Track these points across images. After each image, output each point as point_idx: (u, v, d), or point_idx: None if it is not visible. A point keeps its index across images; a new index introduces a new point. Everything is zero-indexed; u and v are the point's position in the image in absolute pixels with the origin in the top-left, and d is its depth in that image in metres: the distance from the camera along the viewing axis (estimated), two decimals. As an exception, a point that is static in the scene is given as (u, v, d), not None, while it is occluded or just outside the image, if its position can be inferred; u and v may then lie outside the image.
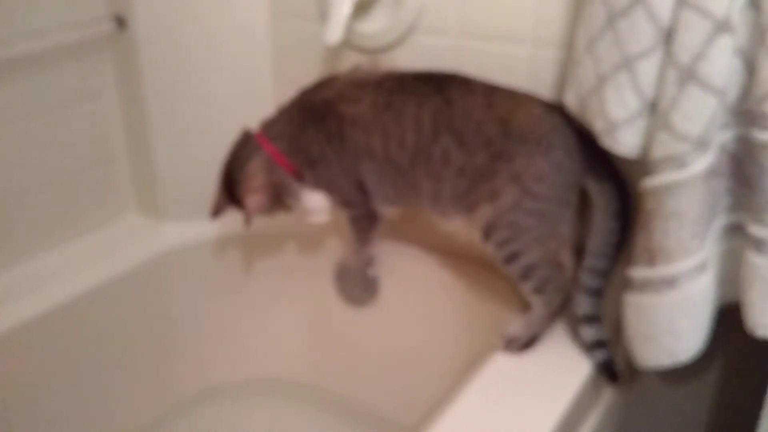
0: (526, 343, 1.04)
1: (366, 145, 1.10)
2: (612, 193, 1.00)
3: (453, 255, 1.29)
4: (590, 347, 1.04)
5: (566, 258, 1.06)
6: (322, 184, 1.18)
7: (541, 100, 1.05)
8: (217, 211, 1.24)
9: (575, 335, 1.07)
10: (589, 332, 1.03)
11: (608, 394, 1.16)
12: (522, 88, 1.07)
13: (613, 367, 1.04)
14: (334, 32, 1.16)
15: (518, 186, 1.00)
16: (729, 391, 1.20)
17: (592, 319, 1.03)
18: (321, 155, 1.14)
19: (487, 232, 1.03)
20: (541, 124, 1.01)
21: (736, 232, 0.94)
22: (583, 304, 1.03)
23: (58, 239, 1.33)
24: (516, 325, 1.05)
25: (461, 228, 1.08)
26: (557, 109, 1.04)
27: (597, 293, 1.03)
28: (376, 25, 1.22)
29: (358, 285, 1.39)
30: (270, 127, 1.19)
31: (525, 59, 1.12)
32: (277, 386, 1.47)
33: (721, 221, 0.95)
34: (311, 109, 1.15)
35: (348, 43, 1.23)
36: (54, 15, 1.24)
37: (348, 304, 1.41)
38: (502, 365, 1.03)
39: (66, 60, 1.28)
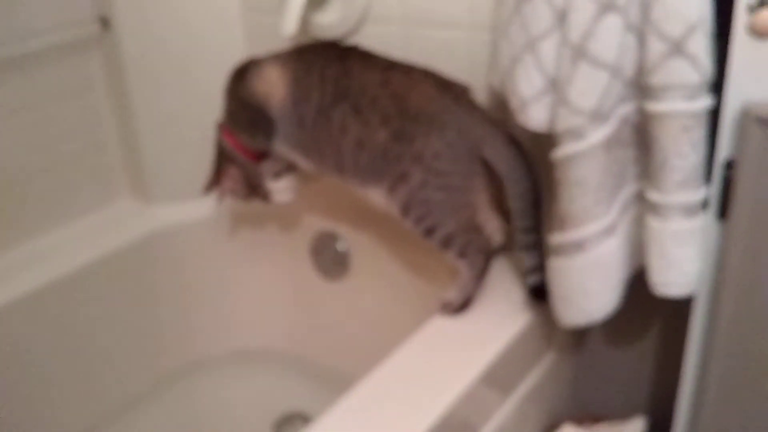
0: (460, 306, 1.12)
1: (270, 90, 1.19)
2: (513, 159, 1.07)
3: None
4: (531, 285, 1.12)
5: (488, 219, 1.14)
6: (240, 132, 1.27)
7: (437, 78, 1.12)
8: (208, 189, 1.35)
9: (507, 294, 1.16)
10: (532, 279, 1.12)
11: (551, 355, 1.24)
12: (435, 68, 1.14)
13: (543, 288, 1.10)
14: (290, 23, 1.25)
15: (421, 165, 1.08)
16: (669, 350, 1.27)
17: (536, 268, 1.11)
18: (241, 121, 1.25)
19: (404, 211, 1.12)
20: (433, 105, 1.08)
21: (641, 198, 1.01)
22: (526, 260, 1.12)
23: (56, 222, 1.46)
24: (450, 291, 1.13)
25: (377, 201, 1.16)
26: (451, 86, 1.11)
27: (534, 246, 1.11)
28: (331, 17, 1.31)
29: (331, 259, 1.49)
30: (225, 117, 1.30)
31: (463, 43, 1.20)
32: (260, 356, 1.59)
33: (630, 189, 1.02)
34: (233, 82, 1.26)
35: (307, 34, 1.33)
36: (45, 18, 1.37)
37: (323, 277, 1.51)
38: (440, 325, 1.12)
39: (58, 59, 1.40)
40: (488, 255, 1.14)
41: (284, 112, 1.19)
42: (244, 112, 1.23)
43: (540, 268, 1.10)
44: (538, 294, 1.12)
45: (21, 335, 1.33)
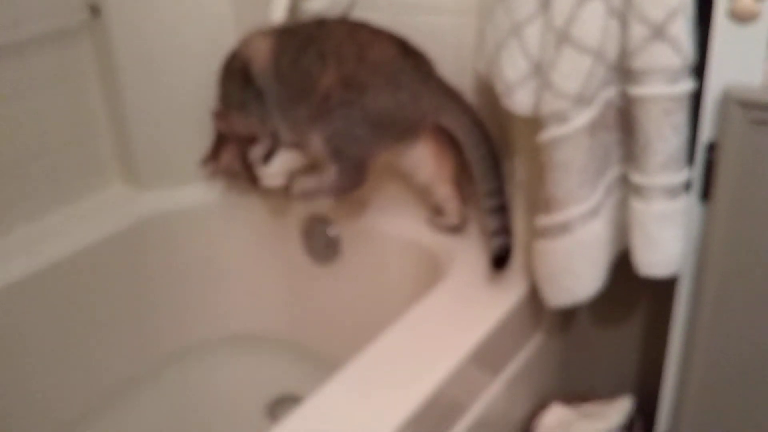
0: (304, 195, 1.30)
1: (254, 54, 1.26)
2: (470, 126, 1.13)
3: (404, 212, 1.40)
4: (494, 250, 1.15)
5: (446, 199, 1.26)
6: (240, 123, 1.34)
7: (403, 42, 1.18)
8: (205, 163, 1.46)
9: (494, 275, 1.17)
10: (497, 241, 1.15)
11: (540, 336, 1.26)
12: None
13: (505, 255, 1.15)
14: (279, 9, 1.26)
15: (363, 113, 1.16)
16: (655, 330, 1.29)
17: (501, 231, 1.15)
18: (233, 96, 1.32)
19: (327, 141, 1.20)
20: (393, 63, 1.15)
21: (625, 181, 1.02)
22: (490, 222, 1.16)
23: (47, 208, 1.46)
24: (308, 180, 1.28)
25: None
26: (415, 54, 1.17)
27: (500, 209, 1.15)
28: (321, 3, 1.31)
29: (322, 244, 1.51)
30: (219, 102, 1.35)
31: (450, 28, 1.21)
32: (253, 340, 1.60)
33: (614, 171, 1.03)
34: (225, 64, 1.32)
35: (297, 20, 1.34)
36: (34, 6, 1.36)
37: (314, 261, 1.53)
38: (428, 306, 1.14)
39: (47, 46, 1.40)
40: (359, 181, 1.23)
41: (267, 73, 1.24)
42: (235, 86, 1.29)
43: (504, 230, 1.14)
44: (499, 262, 1.15)
45: (12, 321, 1.33)
